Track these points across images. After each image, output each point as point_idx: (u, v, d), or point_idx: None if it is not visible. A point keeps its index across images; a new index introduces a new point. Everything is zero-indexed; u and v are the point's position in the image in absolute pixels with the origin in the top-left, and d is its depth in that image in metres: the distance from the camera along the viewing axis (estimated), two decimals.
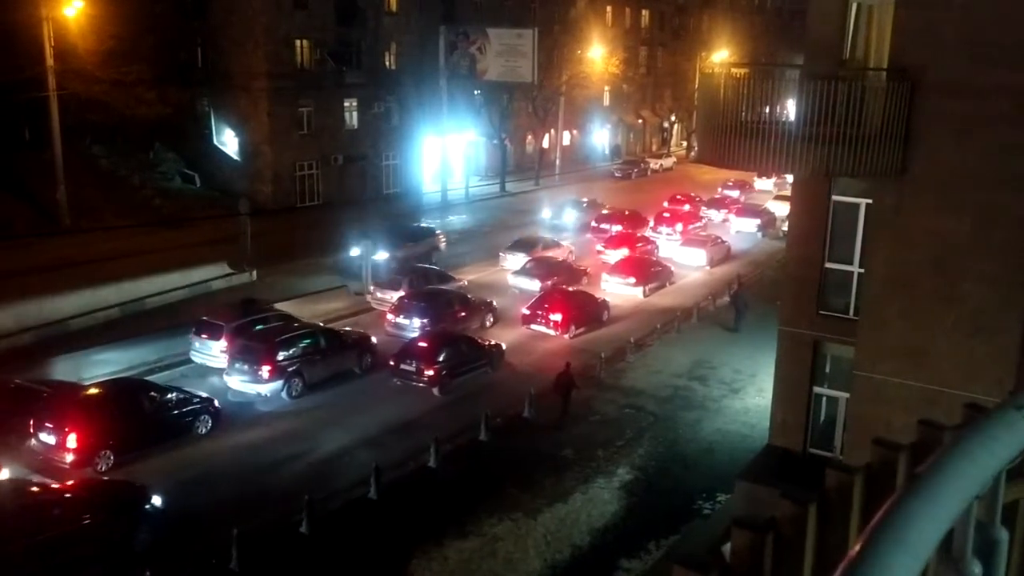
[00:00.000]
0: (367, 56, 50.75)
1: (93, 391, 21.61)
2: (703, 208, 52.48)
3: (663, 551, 17.73)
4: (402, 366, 25.21)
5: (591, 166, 72.28)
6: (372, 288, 32.63)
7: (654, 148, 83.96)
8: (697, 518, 19.28)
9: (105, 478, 18.78)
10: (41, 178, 38.33)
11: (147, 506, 17.19)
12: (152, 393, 21.47)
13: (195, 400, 21.85)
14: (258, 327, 25.99)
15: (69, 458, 19.05)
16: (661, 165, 74.39)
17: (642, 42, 79.31)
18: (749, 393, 26.04)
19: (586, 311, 31.53)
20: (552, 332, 30.25)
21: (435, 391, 24.87)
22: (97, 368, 25.20)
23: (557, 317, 30.27)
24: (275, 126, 46.86)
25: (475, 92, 57.97)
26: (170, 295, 32.15)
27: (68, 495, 16.63)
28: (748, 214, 50.89)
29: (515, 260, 38.10)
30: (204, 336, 25.80)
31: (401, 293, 31.01)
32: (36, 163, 38.73)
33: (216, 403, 22.28)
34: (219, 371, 24.95)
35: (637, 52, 78.48)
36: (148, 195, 43.12)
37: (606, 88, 74.58)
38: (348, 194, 49.11)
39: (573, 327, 30.47)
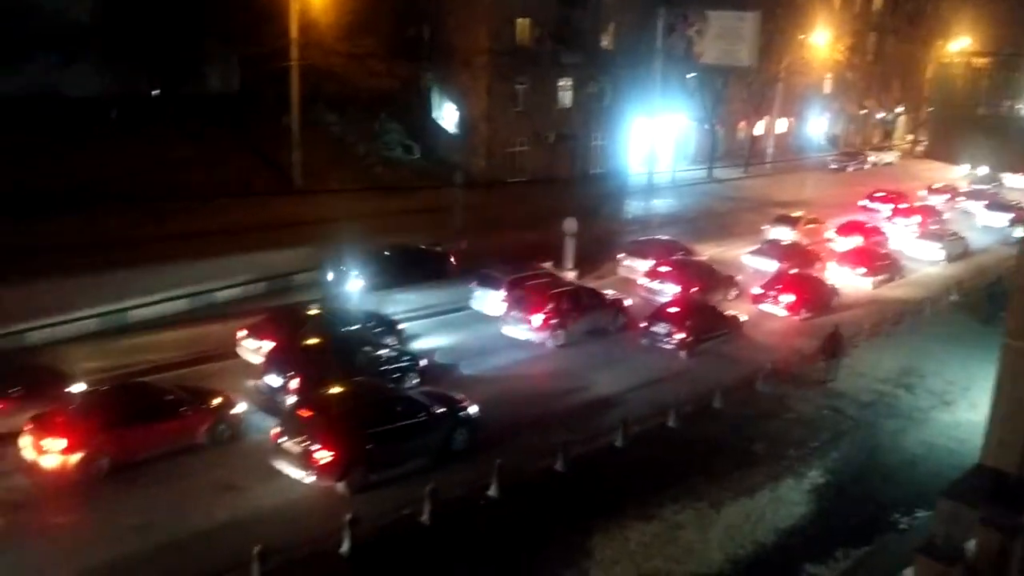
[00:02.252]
0: (585, 36, 50.85)
1: None
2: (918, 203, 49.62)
3: (852, 561, 16.94)
4: (652, 328, 27.09)
5: (805, 156, 69.05)
6: (621, 256, 34.75)
7: (875, 141, 79.17)
8: (892, 532, 18.25)
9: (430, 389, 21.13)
10: (279, 142, 41.25)
11: (465, 414, 20.00)
12: None
13: None
14: (531, 282, 28.32)
15: None
16: (881, 159, 70.07)
17: (871, 27, 74.62)
18: (961, 407, 24.25)
19: (817, 296, 31.60)
20: (782, 313, 30.72)
21: (682, 354, 26.45)
22: (397, 306, 28.38)
23: (789, 299, 30.75)
24: (492, 102, 47.97)
25: (689, 75, 56.79)
26: None
27: (408, 397, 19.84)
28: (999, 208, 47.64)
29: (779, 232, 40.26)
30: (484, 286, 28.81)
31: (651, 261, 32.78)
32: (276, 129, 41.69)
33: None
34: (494, 318, 27.81)
35: (865, 38, 73.93)
36: (371, 163, 45.43)
37: (827, 75, 70.98)
38: (556, 172, 49.61)
39: (803, 310, 30.64)
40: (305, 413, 18.31)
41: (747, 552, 17.10)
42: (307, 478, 17.54)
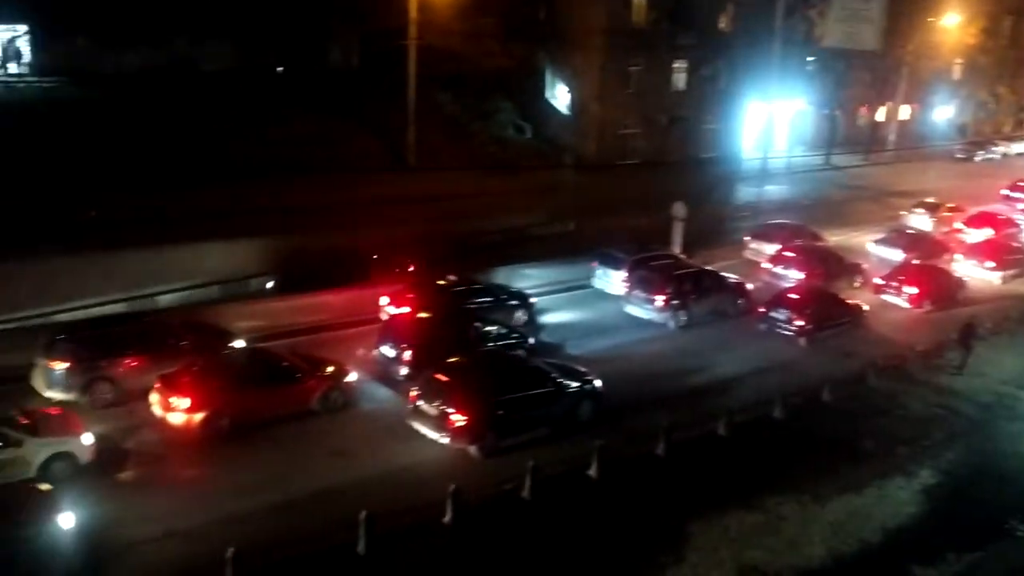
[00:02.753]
0: (702, 17, 49.81)
1: None
2: None
3: (964, 565, 16.38)
4: (772, 314, 26.93)
5: (930, 145, 65.99)
6: (747, 239, 34.82)
7: (1006, 130, 75.03)
8: (1008, 539, 17.53)
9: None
10: (395, 120, 42.01)
11: (591, 387, 20.53)
12: None
13: None
14: (654, 263, 28.59)
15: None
16: (1011, 149, 66.35)
17: (1008, 10, 70.48)
18: None
19: (941, 289, 30.62)
20: (904, 304, 29.91)
21: (802, 341, 26.13)
22: (523, 281, 29.16)
23: (912, 291, 29.93)
24: (605, 84, 47.58)
25: (809, 58, 54.99)
26: (489, 237, 34.10)
27: (538, 368, 20.36)
28: None
29: (918, 220, 40.30)
30: (606, 266, 29.20)
31: (776, 246, 32.45)
32: (393, 106, 42.47)
33: None
34: (614, 297, 28.33)
35: (1000, 21, 69.86)
36: (483, 142, 45.80)
37: (957, 60, 67.57)
38: (667, 155, 48.92)
39: (926, 303, 29.76)
40: (442, 378, 19.01)
41: (851, 549, 16.73)
42: (442, 439, 18.35)
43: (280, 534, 15.20)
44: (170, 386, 18.57)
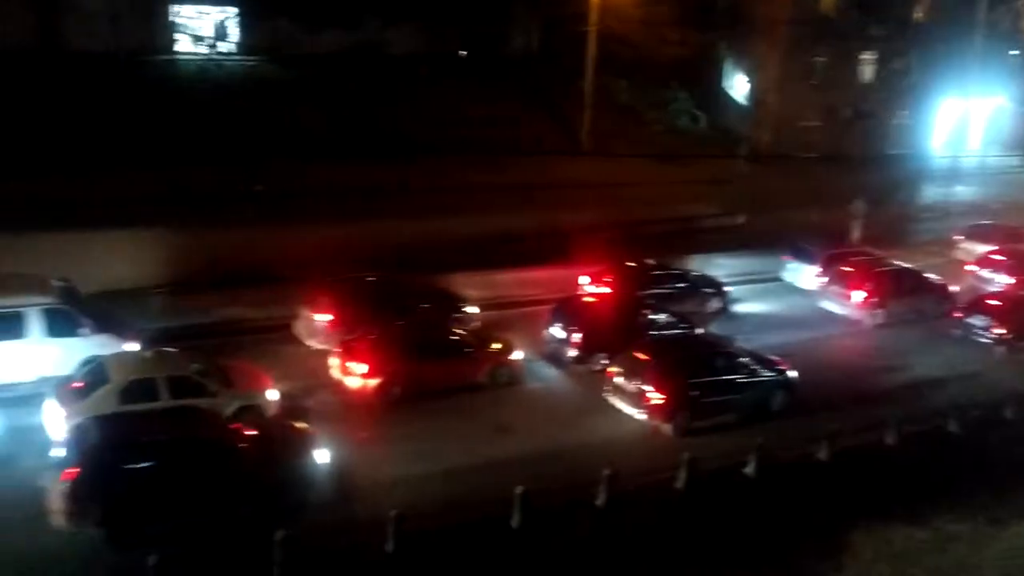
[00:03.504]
0: (895, 7, 47.15)
1: None
2: None
3: None
4: (970, 319, 25.56)
5: None
6: (958, 237, 33.34)
7: None
8: None
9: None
10: (571, 106, 42.27)
11: (784, 378, 20.64)
12: None
13: None
14: (853, 259, 27.76)
15: None
16: None
17: None
18: None
19: None
20: None
21: (999, 351, 24.78)
22: (713, 270, 28.80)
23: None
24: (786, 74, 45.99)
25: (1013, 52, 51.02)
26: (658, 226, 33.72)
27: (735, 354, 20.57)
28: None
29: None
30: (799, 259, 28.62)
31: (990, 247, 30.91)
32: (569, 92, 42.74)
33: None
34: (806, 291, 27.88)
35: None
36: (657, 130, 45.31)
37: None
38: (847, 150, 46.76)
39: None
40: (641, 356, 19.50)
41: None
42: (638, 415, 18.90)
43: (445, 500, 15.82)
44: (349, 351, 19.61)
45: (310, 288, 22.21)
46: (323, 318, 21.33)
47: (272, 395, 18.11)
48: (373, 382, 19.10)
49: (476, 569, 14.49)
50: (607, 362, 20.78)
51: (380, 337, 20.05)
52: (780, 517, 16.59)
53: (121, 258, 23.94)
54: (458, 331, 21.18)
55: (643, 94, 47.12)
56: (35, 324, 18.38)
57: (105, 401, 16.44)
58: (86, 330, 18.78)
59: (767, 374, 20.38)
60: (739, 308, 27.07)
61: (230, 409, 17.38)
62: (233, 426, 16.13)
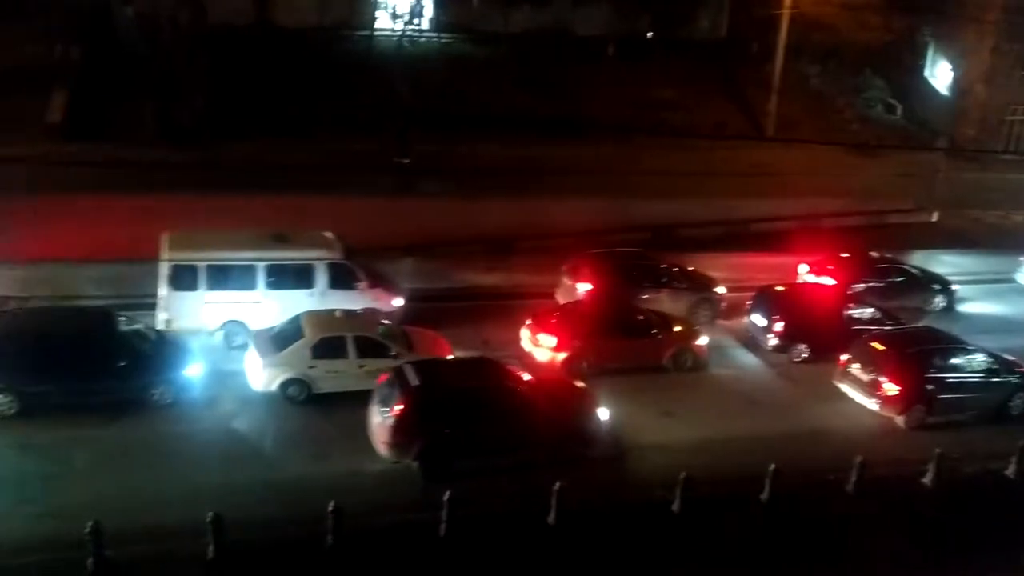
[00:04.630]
0: None
1: None
2: None
3: None
4: None
5: None
6: None
7: None
8: None
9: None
10: (757, 90, 41.16)
11: None
12: None
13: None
14: None
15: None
16: None
17: None
18: None
19: None
20: None
21: None
22: (942, 268, 27.66)
23: None
24: (996, 64, 42.77)
25: None
26: (846, 219, 32.45)
27: (974, 352, 19.69)
28: None
29: None
30: None
31: None
32: (756, 76, 41.62)
33: None
34: None
35: None
36: (847, 119, 43.37)
37: None
38: None
39: None
40: (879, 346, 19.45)
41: None
42: (871, 406, 18.82)
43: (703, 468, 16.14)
44: (540, 325, 20.12)
45: (572, 258, 23.37)
46: (584, 287, 22.28)
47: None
48: (561, 356, 19.44)
49: (747, 537, 15.09)
50: (807, 353, 21.06)
51: (569, 312, 20.49)
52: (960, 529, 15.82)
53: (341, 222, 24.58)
54: (645, 311, 21.23)
55: (835, 81, 45.23)
56: (321, 277, 20.05)
57: (299, 354, 17.71)
58: (362, 284, 20.34)
59: (1009, 376, 19.55)
60: (967, 308, 25.82)
61: None
62: (531, 382, 17.23)
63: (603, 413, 16.98)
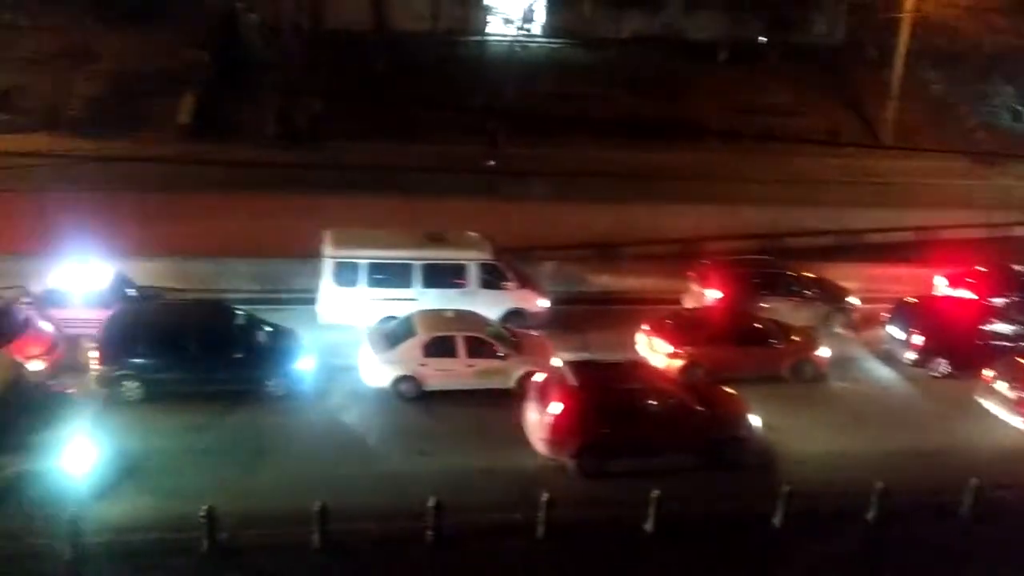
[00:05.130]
0: None
1: None
2: None
3: None
4: None
5: None
6: None
7: None
8: None
9: None
10: (874, 97, 39.62)
11: None
12: None
13: None
14: None
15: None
16: None
17: None
18: None
19: None
20: None
21: None
22: None
23: None
24: None
25: None
26: (966, 231, 30.89)
27: None
28: None
29: None
30: None
31: None
32: (873, 82, 40.09)
33: None
34: None
35: None
36: (971, 127, 41.17)
37: None
38: None
39: None
40: None
41: None
42: (1017, 424, 18.28)
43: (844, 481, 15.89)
44: (656, 330, 19.95)
45: (701, 266, 23.14)
46: (713, 295, 22.03)
47: (556, 364, 18.62)
48: (677, 362, 19.18)
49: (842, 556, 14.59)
50: (947, 369, 20.37)
51: (686, 319, 20.33)
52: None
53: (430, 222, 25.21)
54: (763, 320, 20.72)
55: (958, 87, 42.97)
56: (473, 276, 20.68)
57: (410, 352, 18.02)
58: (511, 284, 20.82)
59: None
60: None
61: (516, 373, 18.34)
62: (688, 386, 17.33)
63: (754, 420, 16.76)
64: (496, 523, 14.39)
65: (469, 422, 17.14)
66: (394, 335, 18.57)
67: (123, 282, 20.30)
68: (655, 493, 14.38)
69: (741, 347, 19.57)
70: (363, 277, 20.20)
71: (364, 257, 20.23)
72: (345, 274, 20.15)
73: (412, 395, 18.11)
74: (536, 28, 42.96)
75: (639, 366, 18.20)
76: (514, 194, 28.64)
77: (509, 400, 17.68)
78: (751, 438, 16.71)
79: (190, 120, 32.78)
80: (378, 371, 18.11)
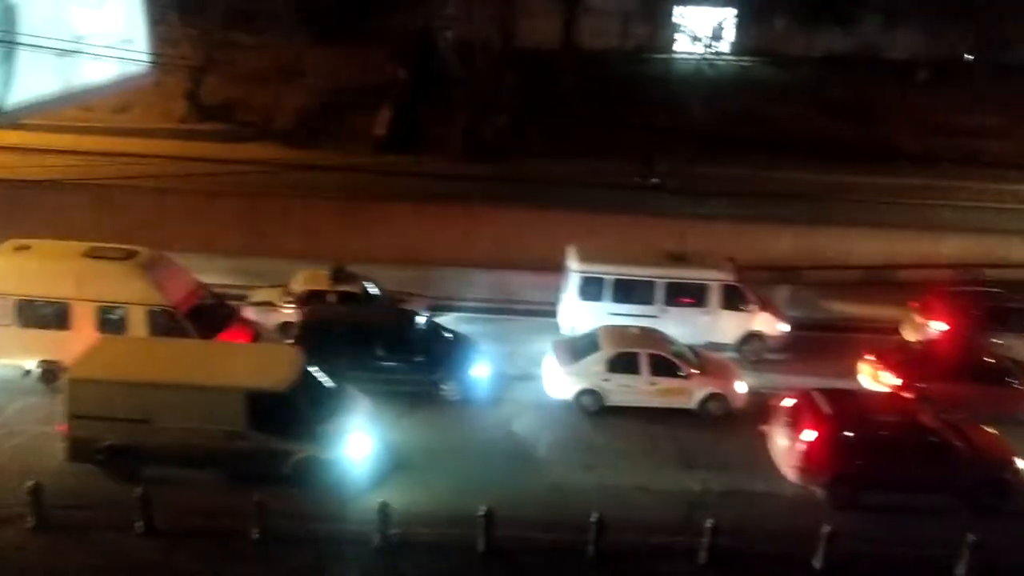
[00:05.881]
0: None
1: None
2: None
3: None
4: None
5: None
6: None
7: None
8: None
9: None
10: None
11: None
12: None
13: None
14: None
15: None
16: None
17: None
18: None
19: None
20: None
21: None
22: None
23: None
24: None
25: None
26: None
27: None
28: None
29: None
30: None
31: None
32: None
33: None
34: None
35: None
36: None
37: None
38: None
39: None
40: None
41: None
42: None
43: None
44: (883, 362, 18.95)
45: (924, 295, 22.13)
46: (938, 326, 21.11)
47: (741, 388, 18.23)
48: (905, 396, 17.94)
49: None
50: None
51: (915, 351, 19.27)
52: None
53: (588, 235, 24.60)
54: (1000, 356, 19.12)
55: None
56: (715, 297, 20.78)
57: (594, 366, 18.03)
58: (752, 307, 20.80)
59: None
60: None
61: (701, 394, 17.98)
62: (947, 422, 16.33)
63: (1022, 464, 15.66)
64: (657, 545, 14.10)
65: (633, 437, 16.92)
66: (579, 348, 18.60)
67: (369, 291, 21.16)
68: (826, 529, 13.57)
69: (976, 385, 18.12)
70: (607, 292, 20.52)
71: (609, 273, 20.53)
72: (590, 288, 20.54)
73: (594, 409, 18.09)
74: (725, 46, 42.03)
75: (894, 397, 17.44)
76: (686, 212, 28.06)
77: (688, 420, 17.57)
78: (1018, 482, 15.54)
79: (385, 132, 34.28)
80: (562, 383, 18.17)
